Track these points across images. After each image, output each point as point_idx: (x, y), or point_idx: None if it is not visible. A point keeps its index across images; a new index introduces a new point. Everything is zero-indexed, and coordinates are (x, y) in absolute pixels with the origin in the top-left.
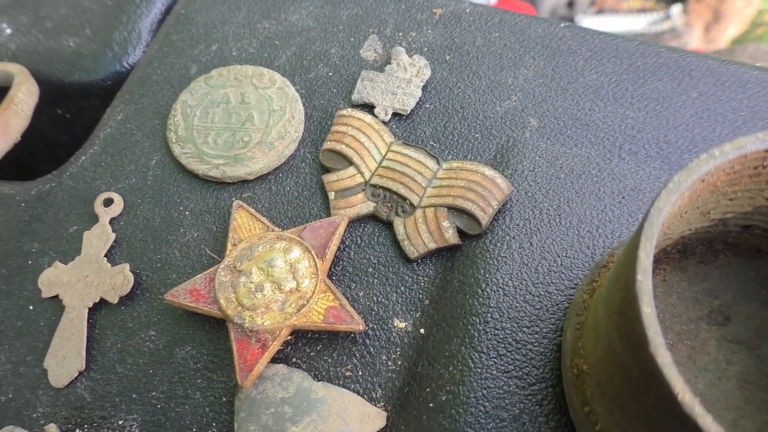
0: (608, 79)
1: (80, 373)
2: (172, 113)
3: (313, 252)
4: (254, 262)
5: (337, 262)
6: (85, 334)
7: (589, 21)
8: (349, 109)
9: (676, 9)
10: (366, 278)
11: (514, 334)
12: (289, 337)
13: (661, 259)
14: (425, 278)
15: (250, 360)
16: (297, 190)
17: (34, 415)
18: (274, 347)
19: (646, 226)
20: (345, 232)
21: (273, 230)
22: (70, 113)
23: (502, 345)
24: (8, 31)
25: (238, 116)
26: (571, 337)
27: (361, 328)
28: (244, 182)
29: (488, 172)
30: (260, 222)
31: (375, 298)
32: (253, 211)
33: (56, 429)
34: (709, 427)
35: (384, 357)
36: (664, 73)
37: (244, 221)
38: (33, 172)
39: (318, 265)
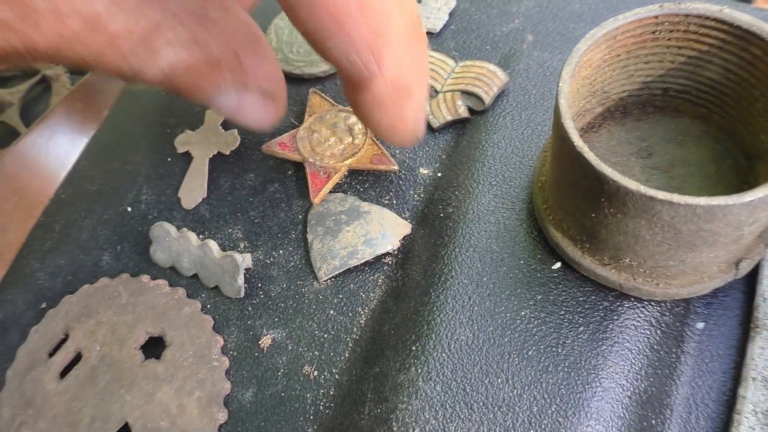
0: (588, 8)
1: (203, 199)
2: (268, 32)
3: None
4: (323, 124)
5: None
6: (207, 174)
7: None
8: None
9: None
10: None
11: (504, 172)
12: (346, 175)
13: (607, 117)
14: (444, 141)
15: (319, 185)
16: None
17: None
18: (336, 178)
19: (568, 59)
20: None
21: (337, 106)
22: None
23: (494, 178)
24: None
25: None
26: (539, 165)
27: (396, 168)
28: (317, 79)
29: (491, 67)
30: (329, 102)
31: (407, 154)
32: (324, 95)
33: (187, 231)
34: (592, 159)
35: (411, 192)
36: (634, 4)
37: (317, 101)
38: None
39: (368, 129)
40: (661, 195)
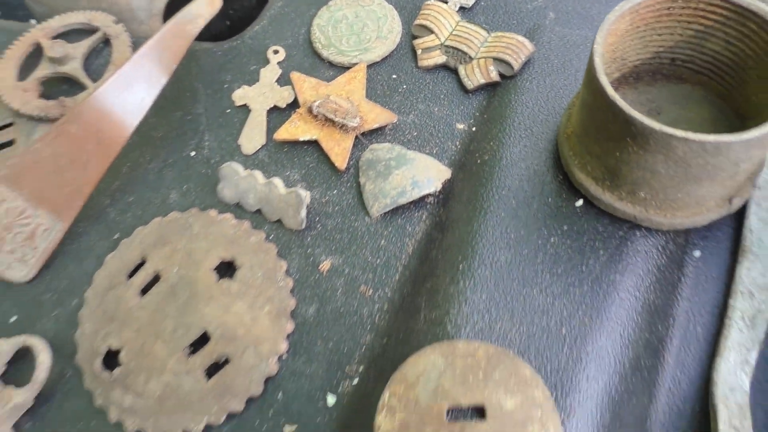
0: None
1: (262, 146)
2: (312, 33)
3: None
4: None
5: (423, 89)
6: (265, 124)
7: None
8: (432, 1)
9: None
10: (439, 100)
11: (531, 127)
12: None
13: (622, 82)
14: (477, 101)
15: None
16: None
17: None
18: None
19: (599, 32)
20: (419, 72)
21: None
22: (233, 10)
23: (523, 132)
24: None
25: (358, 25)
26: (564, 120)
27: (395, 119)
28: (373, 64)
29: (520, 38)
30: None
31: (445, 111)
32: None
33: (254, 170)
34: (623, 105)
35: (449, 143)
36: None
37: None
38: None
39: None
40: (679, 133)
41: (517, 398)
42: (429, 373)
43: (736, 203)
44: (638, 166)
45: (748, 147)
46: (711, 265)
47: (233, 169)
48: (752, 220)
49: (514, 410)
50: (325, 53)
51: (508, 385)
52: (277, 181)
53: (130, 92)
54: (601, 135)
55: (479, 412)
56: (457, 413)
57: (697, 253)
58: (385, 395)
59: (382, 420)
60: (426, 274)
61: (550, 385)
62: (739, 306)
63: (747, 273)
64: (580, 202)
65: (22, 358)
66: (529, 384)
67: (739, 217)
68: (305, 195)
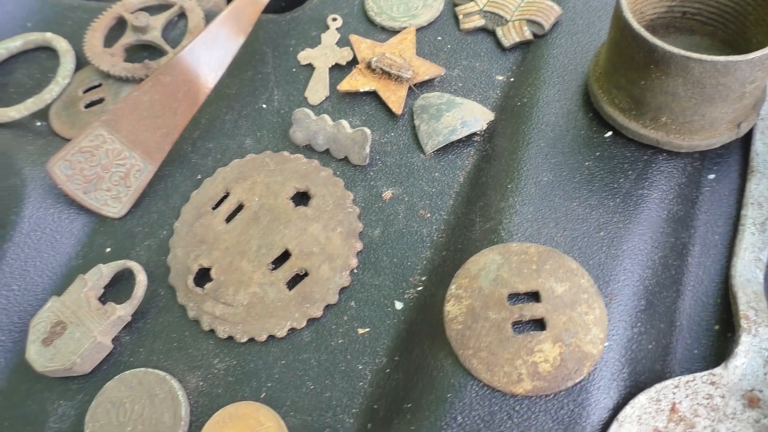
0: None
1: (326, 97)
2: (366, 2)
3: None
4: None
5: (465, 48)
6: (328, 81)
7: None
8: None
9: None
10: (480, 57)
11: (563, 74)
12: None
13: None
14: (513, 57)
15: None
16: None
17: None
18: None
19: None
20: (461, 34)
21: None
22: None
23: (556, 78)
24: None
25: None
26: (592, 65)
27: (443, 72)
28: (420, 28)
29: (549, 2)
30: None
31: (486, 66)
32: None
33: (323, 114)
34: (647, 35)
35: (491, 92)
36: None
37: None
38: None
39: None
40: (695, 55)
41: (566, 285)
42: (489, 267)
43: (744, 128)
44: (661, 91)
45: (753, 67)
46: (723, 185)
47: (305, 113)
48: (758, 145)
49: (564, 294)
50: (378, 19)
51: (557, 274)
52: (344, 123)
53: (213, 49)
54: (627, 66)
55: (534, 297)
56: (515, 299)
57: (711, 176)
58: (452, 287)
59: (450, 307)
60: (477, 197)
61: (592, 276)
62: (750, 214)
63: (756, 188)
64: (609, 134)
65: (117, 282)
66: (575, 274)
67: (745, 146)
68: (369, 133)
